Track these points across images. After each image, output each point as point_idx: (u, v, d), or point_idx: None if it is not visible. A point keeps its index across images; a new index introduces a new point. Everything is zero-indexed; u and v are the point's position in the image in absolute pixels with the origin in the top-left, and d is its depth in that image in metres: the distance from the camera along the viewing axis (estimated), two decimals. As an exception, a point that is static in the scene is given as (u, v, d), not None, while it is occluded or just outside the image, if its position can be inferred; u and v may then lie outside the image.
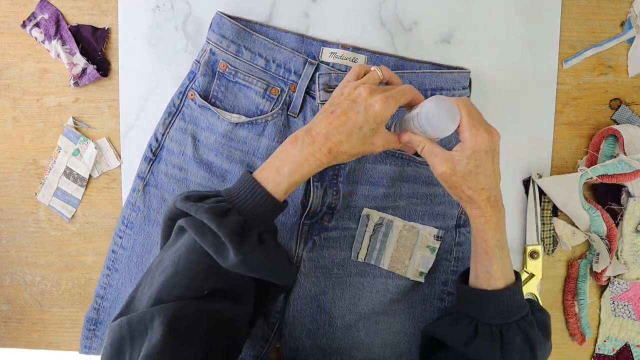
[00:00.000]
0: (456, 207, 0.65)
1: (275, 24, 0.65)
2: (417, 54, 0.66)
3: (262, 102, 0.64)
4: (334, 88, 0.61)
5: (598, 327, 0.69)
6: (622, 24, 0.67)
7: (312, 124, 0.50)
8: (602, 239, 0.66)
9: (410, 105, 0.53)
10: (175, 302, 0.44)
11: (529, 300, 0.55)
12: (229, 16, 0.63)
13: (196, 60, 0.64)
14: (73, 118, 0.68)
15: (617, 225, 0.67)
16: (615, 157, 0.66)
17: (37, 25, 0.66)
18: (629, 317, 0.69)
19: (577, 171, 0.66)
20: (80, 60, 0.66)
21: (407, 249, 0.64)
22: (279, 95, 0.63)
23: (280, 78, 0.63)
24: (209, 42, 0.63)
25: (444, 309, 0.65)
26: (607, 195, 0.67)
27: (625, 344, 0.69)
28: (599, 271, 0.67)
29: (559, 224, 0.68)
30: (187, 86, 0.64)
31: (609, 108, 0.68)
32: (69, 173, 0.69)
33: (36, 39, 0.67)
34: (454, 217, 0.65)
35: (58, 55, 0.66)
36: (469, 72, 0.64)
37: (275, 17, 0.65)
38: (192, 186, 0.65)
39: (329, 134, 0.48)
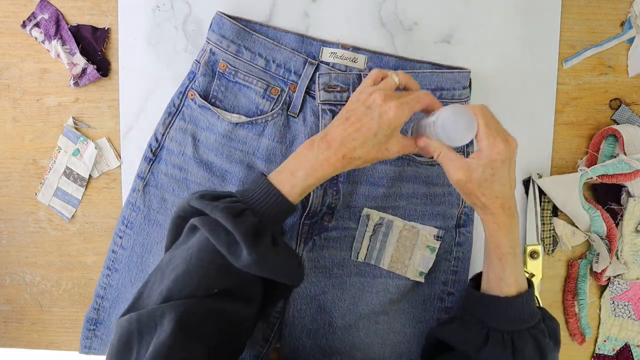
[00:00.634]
0: (456, 207, 0.65)
1: (275, 24, 0.65)
2: (417, 54, 0.65)
3: (262, 102, 0.64)
4: (334, 88, 0.62)
5: (598, 327, 0.69)
6: (622, 24, 0.67)
7: (329, 129, 0.51)
8: (602, 239, 0.66)
9: (427, 110, 0.53)
10: (186, 300, 0.44)
11: (539, 308, 0.55)
12: (229, 16, 0.63)
13: (196, 60, 0.64)
14: (73, 118, 0.68)
15: (617, 225, 0.67)
16: (615, 157, 0.66)
17: (37, 25, 0.66)
18: (629, 317, 0.69)
19: (577, 171, 0.66)
20: (80, 60, 0.66)
21: (407, 249, 0.64)
22: (279, 95, 0.63)
23: (280, 78, 0.63)
24: (209, 42, 0.63)
25: (444, 309, 0.65)
26: (607, 195, 0.67)
27: (625, 344, 0.69)
28: (599, 271, 0.67)
29: (559, 224, 0.68)
30: (187, 86, 0.64)
31: (609, 108, 0.68)
32: (69, 173, 0.69)
33: (36, 39, 0.67)
34: (454, 217, 0.65)
35: (58, 55, 0.66)
36: (469, 72, 0.64)
37: (275, 17, 0.65)
38: (192, 186, 0.65)
39: (344, 140, 0.49)
